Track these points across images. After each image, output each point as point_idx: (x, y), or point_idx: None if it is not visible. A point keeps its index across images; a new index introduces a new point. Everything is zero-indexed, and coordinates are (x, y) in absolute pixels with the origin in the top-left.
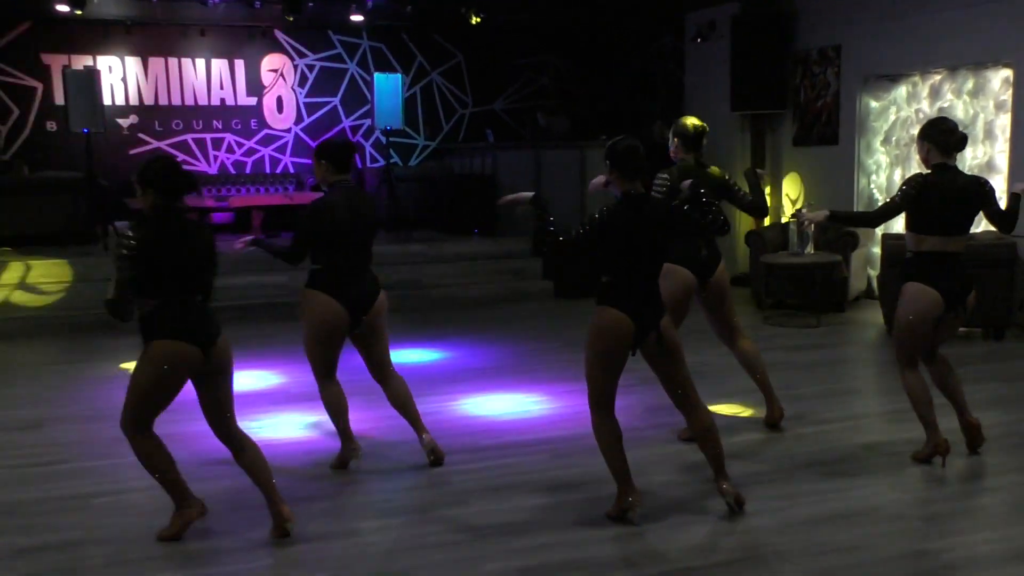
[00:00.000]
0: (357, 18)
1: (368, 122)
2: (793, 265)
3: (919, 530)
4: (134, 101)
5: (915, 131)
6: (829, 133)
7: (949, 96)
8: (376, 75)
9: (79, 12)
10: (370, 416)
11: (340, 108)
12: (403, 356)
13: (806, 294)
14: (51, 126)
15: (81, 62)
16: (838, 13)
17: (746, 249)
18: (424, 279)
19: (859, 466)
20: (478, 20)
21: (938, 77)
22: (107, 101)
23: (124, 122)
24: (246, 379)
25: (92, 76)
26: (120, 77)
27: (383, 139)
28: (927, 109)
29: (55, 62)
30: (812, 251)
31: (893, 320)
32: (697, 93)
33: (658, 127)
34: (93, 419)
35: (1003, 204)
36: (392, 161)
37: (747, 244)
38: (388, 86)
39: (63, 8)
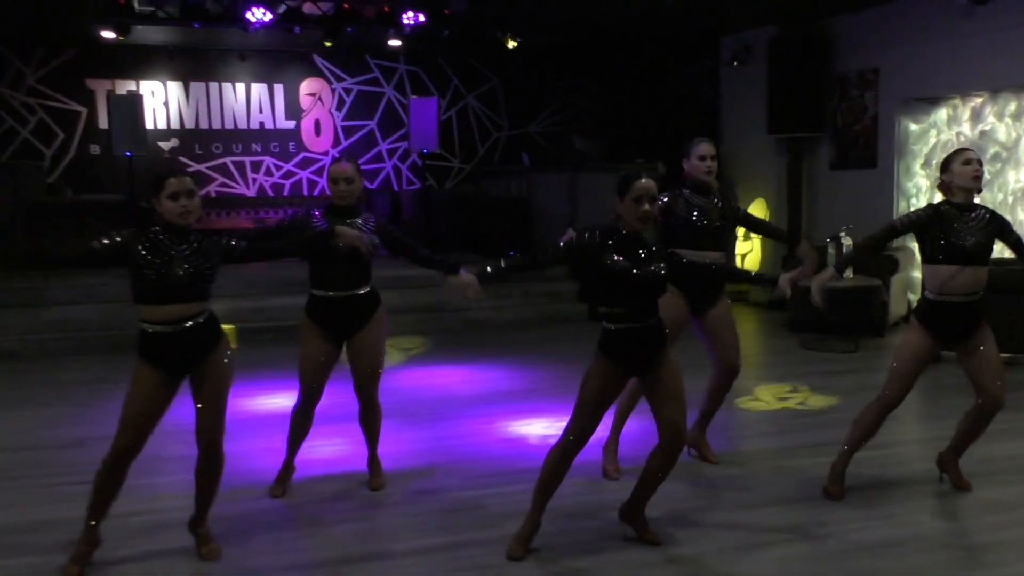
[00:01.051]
0: (395, 43)
1: (404, 145)
2: (831, 289)
3: (962, 560)
4: (175, 125)
5: None
6: (867, 156)
7: (991, 119)
8: (412, 99)
9: (124, 38)
10: (404, 438)
11: (377, 131)
12: (436, 378)
13: (844, 319)
14: (95, 150)
15: (124, 87)
16: (876, 36)
17: (782, 271)
18: (459, 300)
19: (900, 493)
20: (514, 44)
21: (979, 100)
22: (149, 125)
23: (165, 145)
24: (282, 400)
25: (135, 100)
26: (162, 101)
27: (419, 162)
28: (968, 132)
29: (99, 87)
30: (851, 275)
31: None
32: (732, 116)
33: None
34: None
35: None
36: (428, 184)
37: (783, 268)
38: (424, 109)
39: (108, 34)
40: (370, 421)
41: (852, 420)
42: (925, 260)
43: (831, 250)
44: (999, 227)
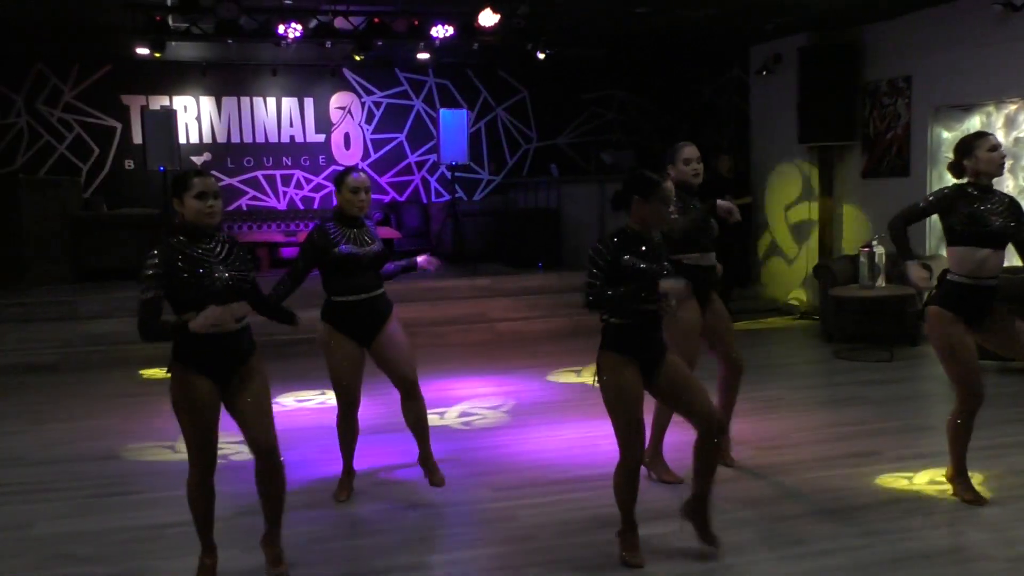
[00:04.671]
0: (424, 56)
1: (433, 157)
2: (864, 299)
3: (1006, 571)
4: (207, 139)
5: None
6: (900, 165)
7: None
8: (442, 111)
9: (158, 55)
10: (435, 450)
11: (406, 144)
12: (468, 389)
13: (878, 328)
14: (129, 164)
15: (158, 102)
16: (908, 44)
17: (815, 283)
18: (490, 313)
19: (939, 504)
20: (544, 56)
21: (1014, 107)
22: (182, 140)
23: (198, 159)
24: (304, 415)
25: (169, 116)
26: (195, 116)
27: (448, 174)
28: (1002, 139)
29: (134, 103)
30: (883, 284)
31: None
32: (763, 125)
33: (725, 161)
34: (167, 450)
35: None
36: (457, 196)
37: (816, 277)
38: (454, 122)
39: (143, 51)
40: (418, 414)
41: (948, 434)
42: (955, 242)
43: (863, 259)
44: (1018, 213)
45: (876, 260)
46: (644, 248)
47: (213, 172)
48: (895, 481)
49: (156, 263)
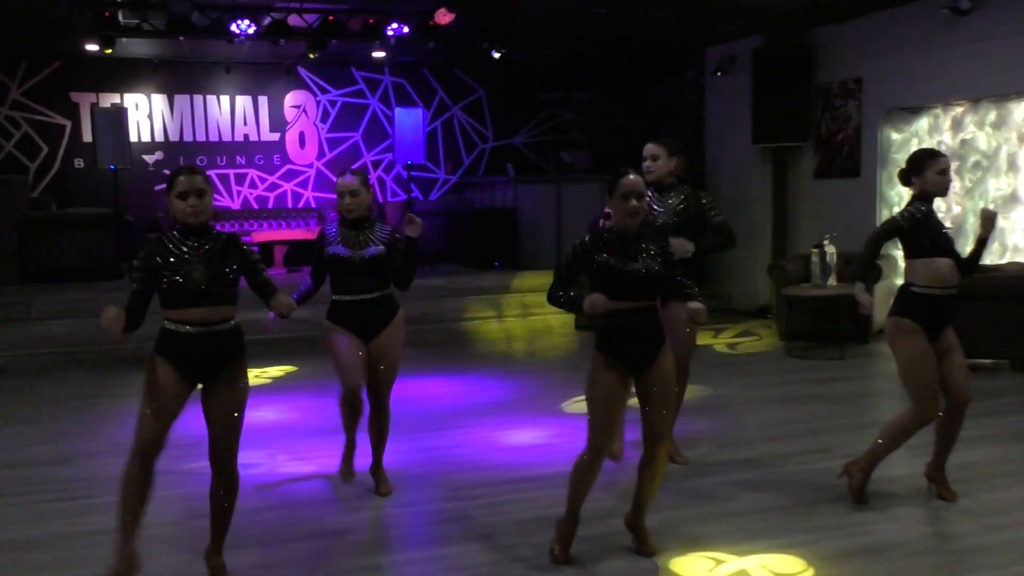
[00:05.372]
0: (379, 54)
1: (389, 157)
2: (816, 297)
3: (953, 563)
4: (160, 138)
5: None
6: (851, 165)
7: (972, 128)
8: (397, 110)
9: (108, 51)
10: (392, 450)
11: (362, 143)
12: (424, 389)
13: (830, 326)
14: (79, 163)
15: (109, 100)
16: (859, 46)
17: (768, 281)
18: (445, 312)
19: (888, 500)
20: (500, 55)
21: (960, 109)
22: (133, 138)
23: (150, 158)
24: (270, 414)
25: (119, 114)
26: (146, 114)
27: (404, 173)
28: (949, 141)
29: (84, 100)
30: (835, 283)
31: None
32: (718, 126)
33: (680, 161)
34: (122, 453)
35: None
36: (413, 195)
37: (769, 276)
38: (409, 121)
39: (93, 48)
40: (379, 426)
41: (884, 429)
42: (919, 255)
43: (815, 258)
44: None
45: (828, 259)
46: (619, 246)
47: (165, 172)
48: (843, 480)
49: (141, 256)
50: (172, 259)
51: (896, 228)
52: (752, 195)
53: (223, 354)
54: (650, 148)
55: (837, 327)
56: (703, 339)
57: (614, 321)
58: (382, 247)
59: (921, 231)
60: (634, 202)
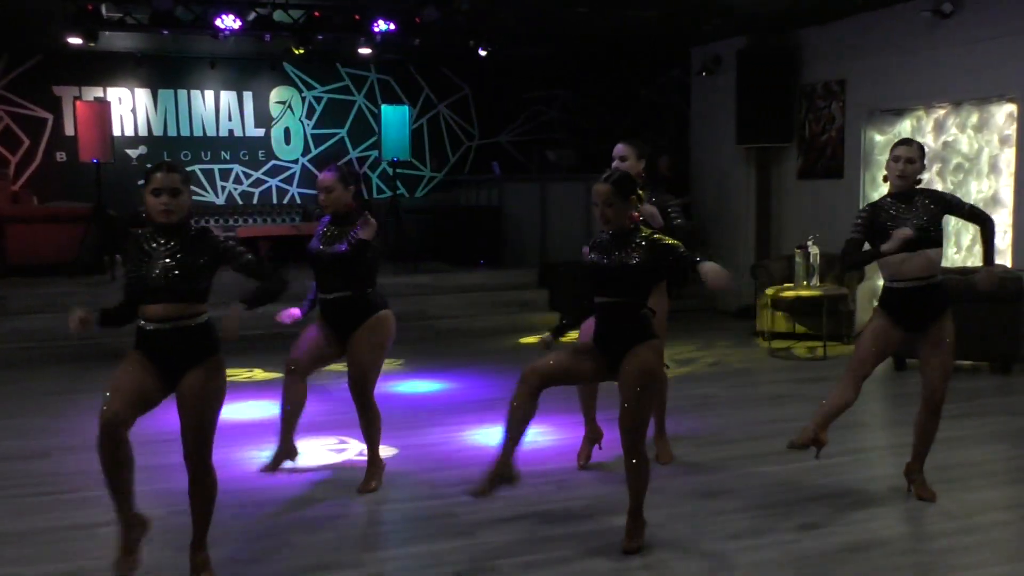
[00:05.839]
0: (365, 51)
1: (375, 153)
2: (799, 298)
3: (931, 563)
4: (143, 132)
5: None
6: (834, 167)
7: (954, 130)
8: (383, 107)
9: (92, 44)
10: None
11: (347, 139)
12: (409, 387)
13: (812, 326)
14: (61, 157)
15: (91, 93)
16: (843, 48)
17: (751, 281)
18: (430, 310)
19: (868, 499)
20: (486, 53)
21: (943, 111)
22: (116, 132)
23: (133, 153)
24: (249, 409)
25: (102, 107)
26: (130, 108)
27: (390, 171)
28: (932, 143)
29: (66, 94)
30: (818, 283)
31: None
32: (702, 126)
33: (665, 161)
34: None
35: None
36: (398, 193)
37: (752, 276)
38: (395, 118)
39: (75, 41)
40: (362, 425)
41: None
42: None
43: (799, 259)
44: (945, 206)
45: (811, 260)
46: (605, 245)
47: (148, 166)
48: (823, 476)
49: (123, 251)
50: (140, 255)
51: (855, 242)
52: (736, 195)
53: (187, 352)
54: (619, 149)
55: (819, 327)
56: (686, 339)
57: (597, 313)
58: (345, 246)
59: (874, 230)
60: (599, 208)
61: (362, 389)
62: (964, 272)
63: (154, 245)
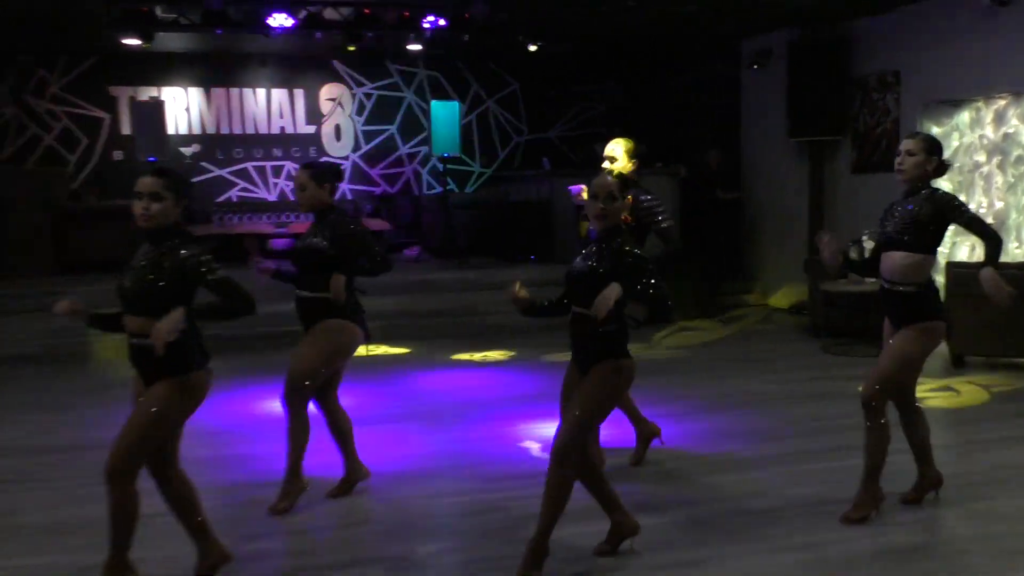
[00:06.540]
0: (415, 47)
1: (425, 149)
2: (853, 293)
3: (985, 566)
4: (197, 130)
5: (979, 157)
6: (890, 160)
7: (1014, 122)
8: (433, 103)
9: (147, 45)
10: (424, 441)
11: (397, 136)
12: (458, 381)
13: (867, 323)
14: (118, 155)
15: (147, 93)
16: (897, 38)
17: (803, 277)
18: (479, 306)
19: (925, 498)
20: (535, 48)
21: (1003, 102)
22: (171, 130)
23: (187, 150)
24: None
25: (158, 107)
26: (184, 107)
27: (440, 166)
28: (991, 135)
29: (122, 94)
30: (873, 279)
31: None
32: (753, 120)
33: (714, 155)
34: None
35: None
36: (448, 188)
37: (805, 272)
38: (445, 114)
39: (131, 42)
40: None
41: None
42: None
43: (853, 254)
44: (938, 211)
45: (866, 255)
46: (587, 247)
47: (202, 163)
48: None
49: None
50: (131, 260)
51: (854, 242)
52: (788, 190)
53: (153, 369)
54: (610, 148)
55: (875, 324)
56: (738, 335)
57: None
58: (305, 242)
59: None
60: (597, 204)
61: (291, 392)
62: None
63: (141, 252)
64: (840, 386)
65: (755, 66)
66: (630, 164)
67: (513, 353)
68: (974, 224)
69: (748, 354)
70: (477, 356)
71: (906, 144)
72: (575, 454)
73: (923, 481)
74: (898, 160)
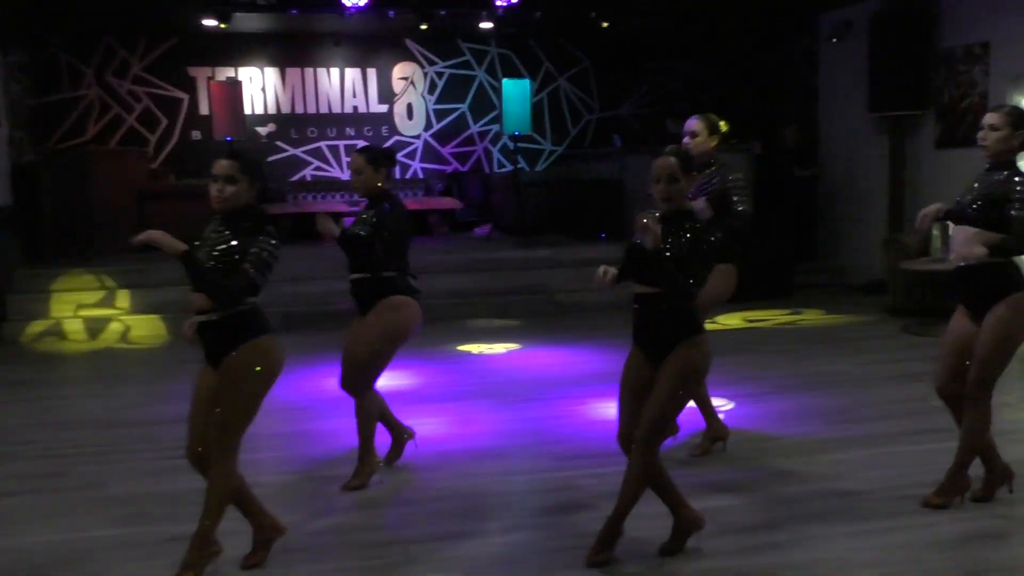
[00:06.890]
0: (486, 25)
1: (496, 128)
2: (935, 272)
3: None
4: (272, 110)
5: None
6: (975, 135)
7: None
8: (504, 81)
9: (224, 26)
10: (497, 419)
11: (468, 114)
12: (529, 359)
13: (948, 303)
14: (196, 135)
15: (224, 74)
16: (985, 9)
17: (883, 255)
18: (550, 284)
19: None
20: (607, 25)
21: None
22: (247, 110)
23: (263, 130)
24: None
25: (235, 87)
26: (259, 87)
27: (511, 144)
28: None
29: (200, 74)
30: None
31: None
32: (831, 95)
33: (791, 131)
34: None
35: None
36: (519, 166)
37: (886, 250)
38: (516, 92)
39: (209, 23)
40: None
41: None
42: None
43: (936, 232)
44: (1002, 189)
45: (949, 233)
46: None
47: (278, 143)
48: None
49: None
50: (198, 241)
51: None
52: (868, 166)
53: (221, 347)
54: (690, 124)
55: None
56: (817, 314)
57: (634, 304)
58: (352, 229)
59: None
60: (660, 186)
61: (351, 378)
62: None
63: (211, 231)
64: (921, 368)
65: (834, 39)
66: (712, 141)
67: (584, 332)
68: (1017, 223)
69: (825, 335)
70: (549, 335)
71: (989, 118)
72: (659, 442)
73: (991, 476)
74: (981, 135)
